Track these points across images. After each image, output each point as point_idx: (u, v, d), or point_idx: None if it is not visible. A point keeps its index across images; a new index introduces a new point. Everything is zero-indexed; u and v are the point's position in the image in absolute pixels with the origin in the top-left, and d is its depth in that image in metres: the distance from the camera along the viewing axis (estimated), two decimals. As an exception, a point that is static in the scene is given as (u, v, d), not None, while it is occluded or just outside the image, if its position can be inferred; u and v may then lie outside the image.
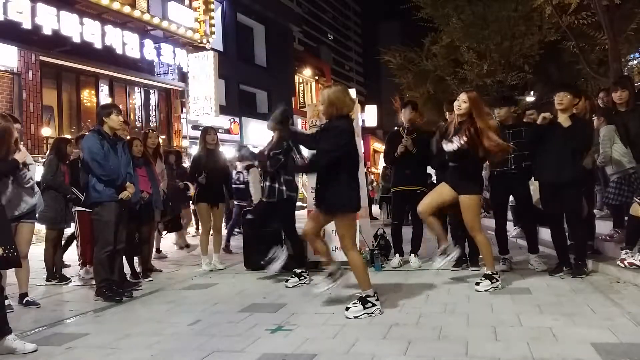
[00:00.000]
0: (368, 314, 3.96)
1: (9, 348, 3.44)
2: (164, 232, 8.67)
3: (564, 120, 4.97)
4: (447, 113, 5.98)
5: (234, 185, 8.42)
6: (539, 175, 5.31)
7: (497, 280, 4.72)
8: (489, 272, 4.76)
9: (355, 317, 3.92)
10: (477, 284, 4.70)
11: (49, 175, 5.88)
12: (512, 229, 7.67)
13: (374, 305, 4.02)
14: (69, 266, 6.96)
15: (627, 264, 4.80)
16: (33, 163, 4.95)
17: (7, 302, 4.09)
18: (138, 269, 6.26)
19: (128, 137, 6.00)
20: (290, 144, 5.62)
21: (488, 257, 4.83)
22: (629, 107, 5.24)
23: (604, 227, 6.12)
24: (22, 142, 4.93)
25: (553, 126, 4.99)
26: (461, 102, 4.74)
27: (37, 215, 4.97)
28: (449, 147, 4.79)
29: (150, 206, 6.20)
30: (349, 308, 3.99)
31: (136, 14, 14.97)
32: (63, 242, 6.57)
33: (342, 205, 4.14)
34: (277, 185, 5.66)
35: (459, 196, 4.81)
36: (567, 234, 5.29)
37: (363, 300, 4.02)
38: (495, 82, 16.26)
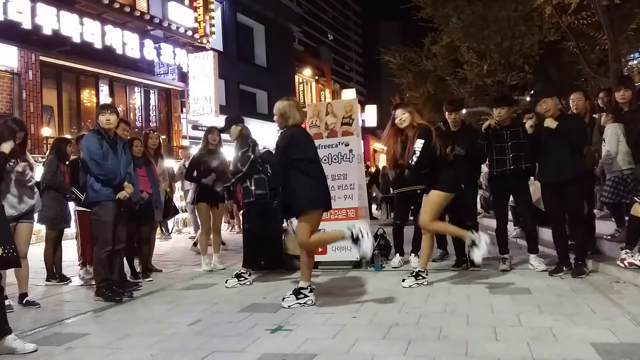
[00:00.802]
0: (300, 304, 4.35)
1: (9, 348, 3.44)
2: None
3: (550, 122, 4.99)
4: (446, 113, 5.99)
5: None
6: (540, 175, 5.32)
7: (424, 278, 5.00)
8: (419, 269, 5.06)
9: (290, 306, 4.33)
10: (404, 280, 4.98)
11: (49, 175, 5.87)
12: (512, 229, 7.68)
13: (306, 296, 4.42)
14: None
15: (627, 264, 4.80)
16: (34, 163, 4.95)
17: (7, 302, 4.09)
18: (138, 269, 6.26)
19: (129, 137, 6.00)
20: (255, 141, 5.88)
21: (425, 256, 5.10)
22: (631, 106, 5.25)
23: (604, 227, 6.13)
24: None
25: (545, 128, 5.04)
26: (400, 115, 4.95)
27: (36, 215, 4.96)
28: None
29: (150, 206, 6.20)
30: (284, 298, 4.40)
31: (136, 14, 14.97)
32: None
33: (298, 206, 4.45)
34: (248, 186, 5.71)
35: (430, 190, 4.99)
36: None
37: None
38: (495, 82, 16.26)
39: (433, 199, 4.96)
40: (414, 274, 5.04)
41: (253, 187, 5.67)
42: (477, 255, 4.67)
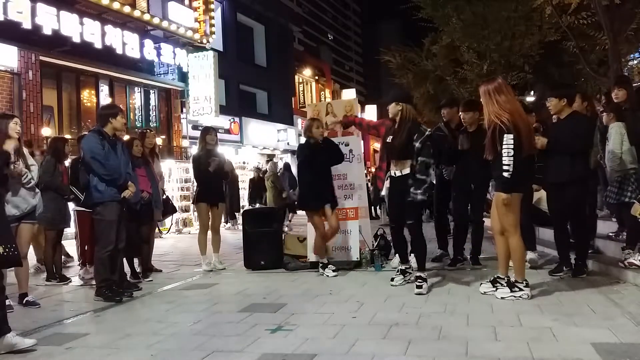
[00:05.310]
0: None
1: (9, 345, 3.44)
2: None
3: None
4: (462, 113, 5.85)
5: None
6: (543, 175, 5.30)
7: (520, 290, 4.23)
8: (513, 279, 4.32)
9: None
10: (496, 289, 4.35)
11: (47, 175, 5.87)
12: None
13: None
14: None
15: (627, 264, 4.81)
16: (35, 164, 4.94)
17: (7, 302, 4.08)
18: (138, 269, 6.26)
19: (127, 137, 6.00)
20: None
21: (517, 264, 4.35)
22: (629, 105, 5.25)
23: (604, 227, 6.13)
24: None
25: (553, 128, 5.04)
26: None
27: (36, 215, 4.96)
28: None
29: (150, 206, 6.19)
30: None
31: (136, 14, 14.96)
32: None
33: None
34: None
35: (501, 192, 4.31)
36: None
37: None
38: (495, 82, 16.21)
39: (495, 201, 4.38)
40: (508, 283, 4.32)
41: None
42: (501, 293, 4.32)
